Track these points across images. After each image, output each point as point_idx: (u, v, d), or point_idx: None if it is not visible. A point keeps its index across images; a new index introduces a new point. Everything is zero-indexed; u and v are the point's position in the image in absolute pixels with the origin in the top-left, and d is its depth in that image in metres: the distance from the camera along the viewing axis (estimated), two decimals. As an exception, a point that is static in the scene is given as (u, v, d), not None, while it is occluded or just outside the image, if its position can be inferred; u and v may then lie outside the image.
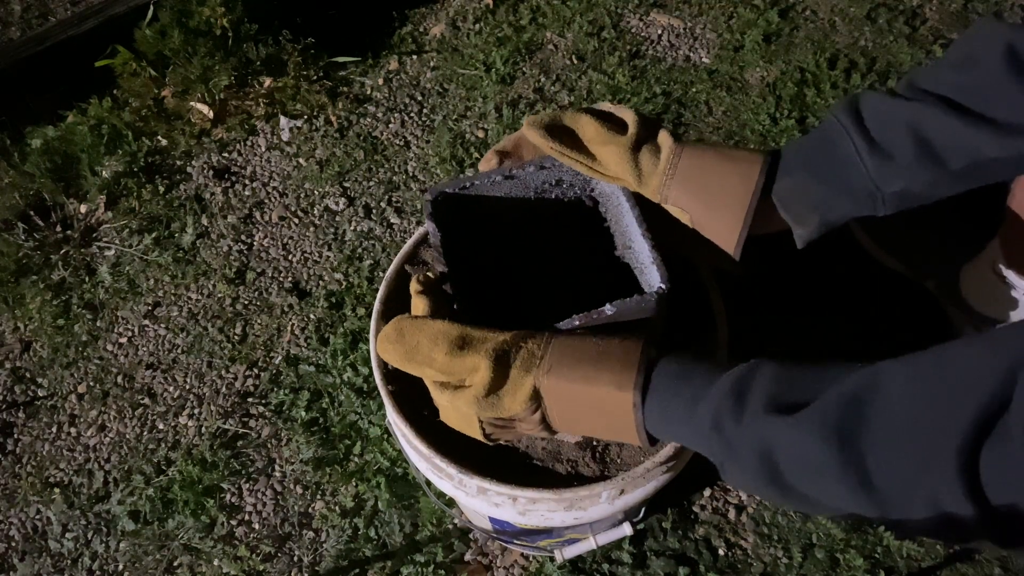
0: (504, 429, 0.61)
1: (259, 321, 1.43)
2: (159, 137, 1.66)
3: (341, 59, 1.73)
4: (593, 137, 0.68)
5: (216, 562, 1.22)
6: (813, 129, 0.71)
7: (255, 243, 1.52)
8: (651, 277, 0.63)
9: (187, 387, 1.37)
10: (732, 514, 1.21)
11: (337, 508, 1.25)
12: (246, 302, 1.45)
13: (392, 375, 0.73)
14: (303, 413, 1.32)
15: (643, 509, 1.12)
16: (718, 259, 0.69)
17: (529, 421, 0.59)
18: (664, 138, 0.68)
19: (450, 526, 1.21)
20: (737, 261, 0.68)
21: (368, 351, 1.37)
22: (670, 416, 0.56)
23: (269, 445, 1.31)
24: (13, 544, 1.26)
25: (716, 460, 0.56)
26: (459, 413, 0.62)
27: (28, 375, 1.41)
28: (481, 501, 0.72)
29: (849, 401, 0.47)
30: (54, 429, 1.36)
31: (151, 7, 1.65)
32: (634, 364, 0.56)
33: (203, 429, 1.33)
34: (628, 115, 0.70)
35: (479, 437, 0.63)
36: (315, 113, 1.67)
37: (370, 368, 1.34)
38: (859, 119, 0.65)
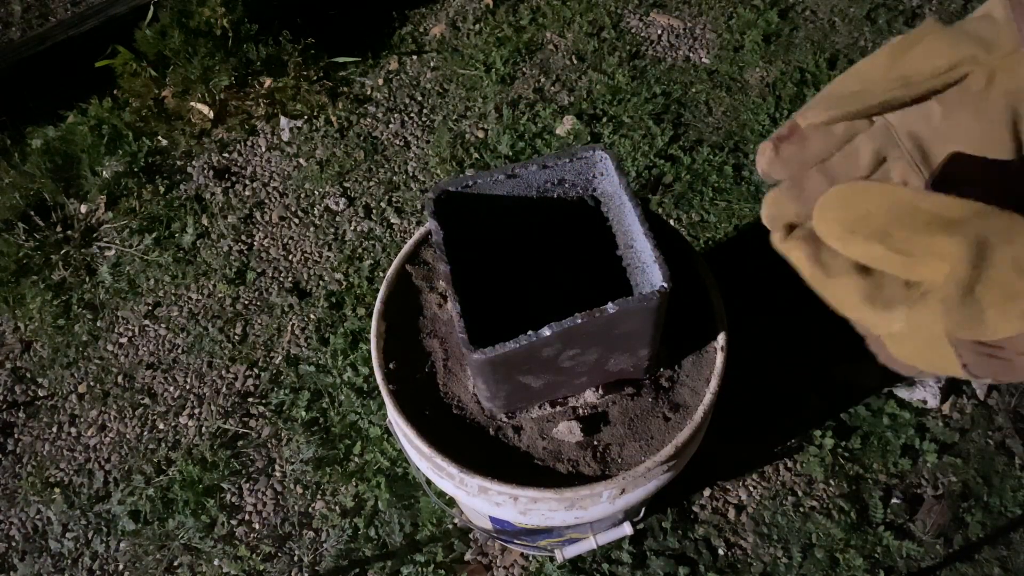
0: (993, 359, 0.42)
1: (259, 321, 1.43)
2: (159, 137, 1.66)
3: (341, 59, 1.73)
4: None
5: (216, 562, 1.22)
6: None
7: (255, 243, 1.52)
8: (653, 276, 0.64)
9: (187, 387, 1.37)
10: (732, 514, 1.21)
11: (337, 508, 1.25)
12: (246, 302, 1.45)
13: (393, 374, 0.74)
14: (303, 413, 1.32)
15: (643, 509, 1.12)
16: None
17: None
18: None
19: (450, 526, 1.21)
20: None
21: (368, 351, 1.37)
22: None
23: (269, 445, 1.31)
24: (13, 544, 1.26)
25: None
26: (919, 335, 0.43)
27: (28, 375, 1.41)
28: (482, 500, 0.72)
29: None
30: (54, 429, 1.36)
31: (151, 7, 1.65)
32: None
33: (203, 429, 1.33)
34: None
35: (955, 371, 0.44)
36: (315, 113, 1.67)
37: (370, 368, 1.34)
38: None
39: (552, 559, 1.15)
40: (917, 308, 0.41)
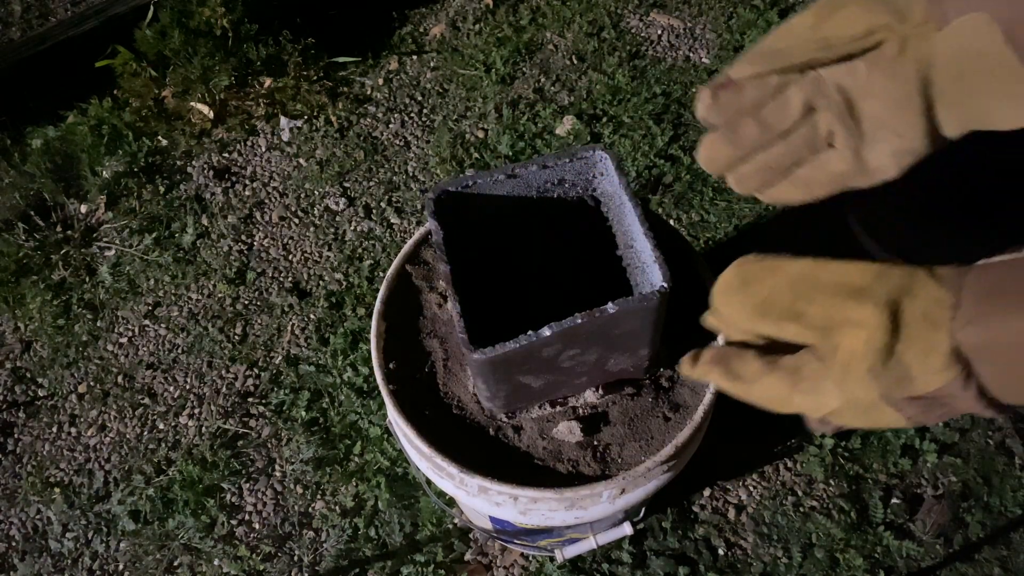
0: (934, 407, 0.43)
1: (259, 321, 1.43)
2: (159, 137, 1.66)
3: (341, 59, 1.73)
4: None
5: (216, 562, 1.22)
6: None
7: (255, 243, 1.52)
8: (653, 276, 0.64)
9: (187, 387, 1.37)
10: (732, 514, 1.21)
11: (337, 508, 1.25)
12: (246, 302, 1.45)
13: (393, 374, 0.74)
14: (303, 413, 1.32)
15: (643, 509, 1.12)
16: None
17: (964, 397, 0.41)
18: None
19: (450, 526, 1.21)
20: None
21: (368, 351, 1.37)
22: None
23: (269, 445, 1.31)
24: (13, 544, 1.26)
25: None
26: (858, 406, 0.44)
27: (28, 375, 1.41)
28: (482, 500, 0.72)
29: None
30: (54, 429, 1.36)
31: (151, 7, 1.65)
32: None
33: (203, 429, 1.33)
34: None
35: (901, 425, 0.45)
36: (315, 113, 1.67)
37: (370, 368, 1.34)
38: None
39: (552, 559, 1.15)
40: (847, 382, 0.42)
